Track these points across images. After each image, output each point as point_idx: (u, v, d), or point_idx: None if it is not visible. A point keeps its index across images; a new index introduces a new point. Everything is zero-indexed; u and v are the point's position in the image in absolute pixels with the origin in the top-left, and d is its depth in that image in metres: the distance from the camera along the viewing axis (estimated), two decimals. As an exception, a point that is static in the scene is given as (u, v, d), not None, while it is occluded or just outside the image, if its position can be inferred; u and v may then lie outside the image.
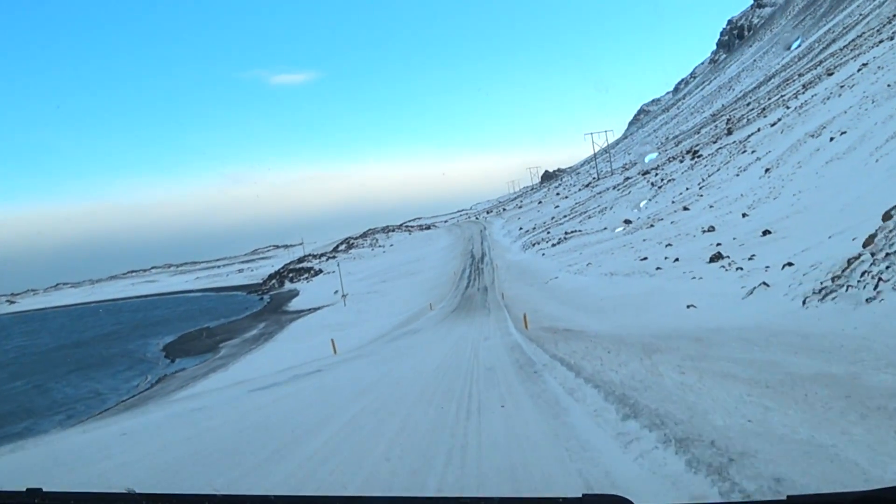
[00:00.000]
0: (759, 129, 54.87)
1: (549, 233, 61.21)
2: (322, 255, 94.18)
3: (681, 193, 48.72)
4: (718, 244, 26.41)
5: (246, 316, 59.66)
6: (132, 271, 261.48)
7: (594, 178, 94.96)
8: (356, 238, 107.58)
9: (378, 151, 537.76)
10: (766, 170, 40.79)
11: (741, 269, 20.40)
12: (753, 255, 21.99)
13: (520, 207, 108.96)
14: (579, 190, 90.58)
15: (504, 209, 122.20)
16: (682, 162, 62.14)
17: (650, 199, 53.20)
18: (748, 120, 64.23)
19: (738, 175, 44.95)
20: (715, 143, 61.65)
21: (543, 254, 48.72)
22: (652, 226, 41.40)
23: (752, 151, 48.49)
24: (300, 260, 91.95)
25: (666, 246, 31.76)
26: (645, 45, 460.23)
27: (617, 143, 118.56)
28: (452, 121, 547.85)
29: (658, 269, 25.38)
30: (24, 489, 1.95)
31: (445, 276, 52.31)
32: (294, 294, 73.09)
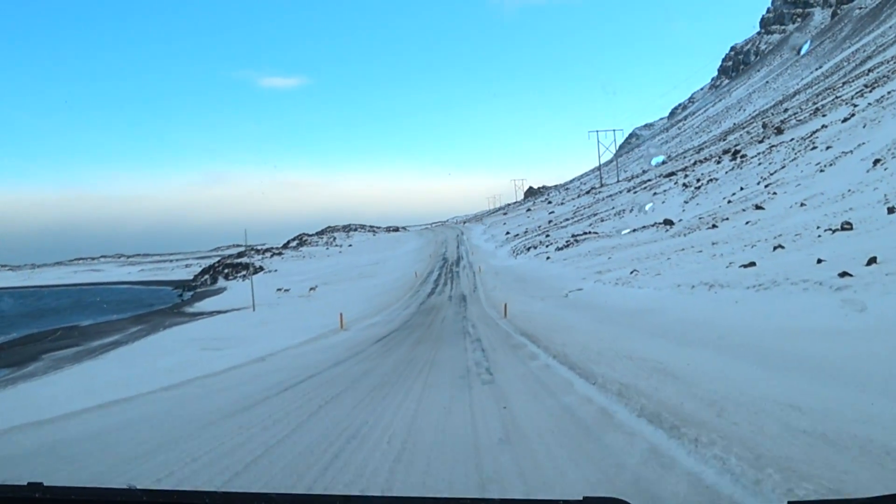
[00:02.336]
0: (823, 126, 45.67)
1: (548, 236, 48.00)
2: (267, 250, 79.09)
3: (734, 193, 38.49)
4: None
5: (135, 315, 44.80)
6: (79, 259, 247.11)
7: (595, 186, 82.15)
8: (311, 235, 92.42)
9: (357, 162, 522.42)
10: (875, 162, 30.70)
11: None
12: None
13: (505, 214, 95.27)
14: (578, 196, 77.67)
15: (483, 220, 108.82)
16: (719, 163, 50.18)
17: (687, 201, 40.87)
18: (798, 121, 53.93)
19: (822, 171, 34.73)
20: (761, 142, 50.34)
21: (548, 258, 35.73)
22: (715, 226, 29.28)
23: (828, 147, 39.70)
24: (239, 255, 76.73)
25: (774, 249, 19.31)
26: (634, 74, 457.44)
27: (608, 163, 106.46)
28: (434, 138, 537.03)
29: (845, 275, 11.66)
30: (26, 483, 1.88)
31: (405, 278, 38.22)
32: (219, 292, 58.22)
